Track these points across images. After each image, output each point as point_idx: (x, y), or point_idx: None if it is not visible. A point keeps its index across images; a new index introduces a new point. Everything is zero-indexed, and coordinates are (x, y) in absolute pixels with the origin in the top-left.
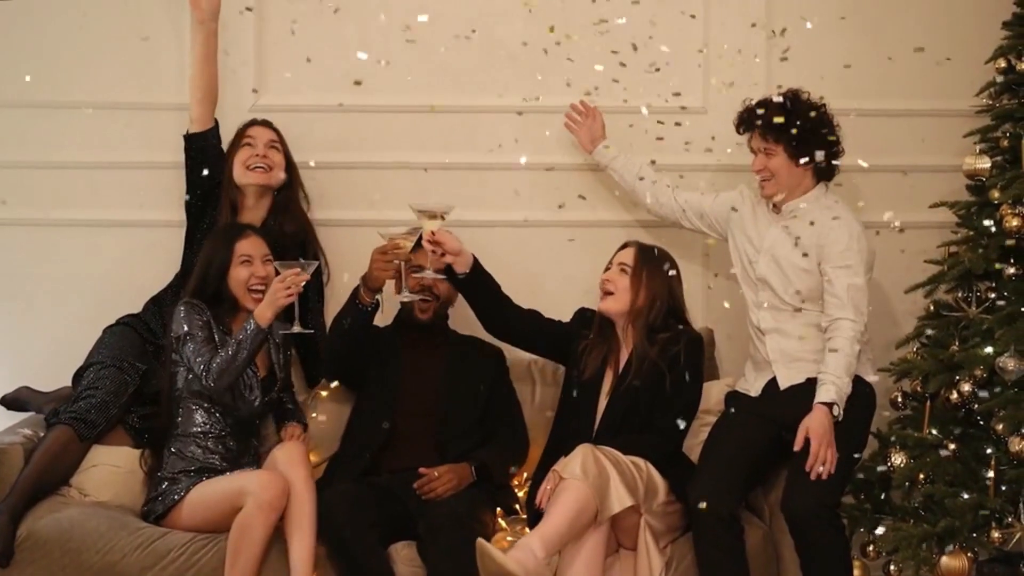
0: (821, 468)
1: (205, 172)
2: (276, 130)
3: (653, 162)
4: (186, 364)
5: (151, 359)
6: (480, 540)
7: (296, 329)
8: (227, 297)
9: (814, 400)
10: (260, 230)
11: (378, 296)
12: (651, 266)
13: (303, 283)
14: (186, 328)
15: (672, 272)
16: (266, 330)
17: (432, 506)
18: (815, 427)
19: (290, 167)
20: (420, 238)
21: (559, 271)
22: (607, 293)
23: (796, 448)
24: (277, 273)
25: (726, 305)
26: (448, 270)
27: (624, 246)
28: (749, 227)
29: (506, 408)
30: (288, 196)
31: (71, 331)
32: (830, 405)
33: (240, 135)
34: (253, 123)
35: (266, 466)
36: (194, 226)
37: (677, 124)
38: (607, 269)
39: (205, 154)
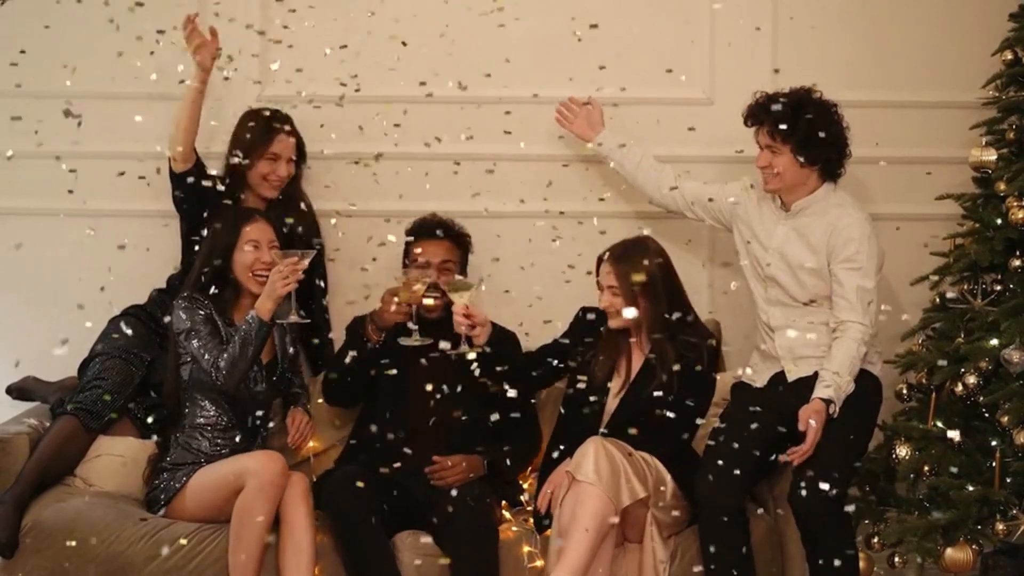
0: (797, 458)
1: (197, 206)
2: (295, 131)
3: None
4: (193, 360)
5: (157, 350)
6: None
7: (293, 319)
8: (230, 281)
9: (812, 395)
10: (267, 216)
11: (383, 335)
12: (633, 273)
13: (301, 272)
14: (188, 324)
15: (657, 260)
16: (268, 322)
17: (442, 495)
18: (816, 420)
19: (299, 158)
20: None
21: (560, 261)
22: (613, 312)
23: (801, 428)
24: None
25: (733, 286)
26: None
27: (599, 262)
28: (756, 224)
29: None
30: (293, 187)
31: (76, 320)
32: (827, 402)
33: (267, 141)
34: (281, 129)
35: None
36: (192, 228)
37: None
38: (599, 287)
39: (196, 189)
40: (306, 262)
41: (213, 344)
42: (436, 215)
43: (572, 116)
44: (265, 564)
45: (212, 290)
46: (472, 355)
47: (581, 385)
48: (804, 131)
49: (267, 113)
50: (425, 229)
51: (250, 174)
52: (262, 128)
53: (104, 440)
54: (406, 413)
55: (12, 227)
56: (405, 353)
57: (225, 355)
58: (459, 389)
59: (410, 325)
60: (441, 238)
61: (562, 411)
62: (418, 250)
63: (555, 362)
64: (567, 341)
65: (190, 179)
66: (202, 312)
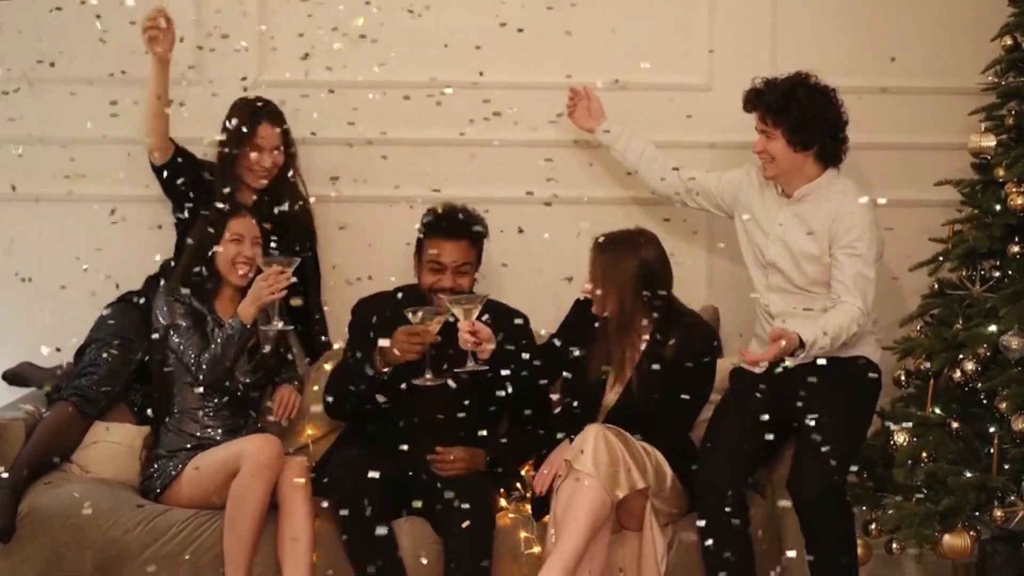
0: (749, 359)
1: (183, 182)
2: (282, 120)
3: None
4: (175, 354)
5: (152, 336)
6: None
7: (278, 326)
8: (213, 272)
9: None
10: (254, 211)
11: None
12: (609, 269)
13: (285, 282)
14: (168, 320)
15: (644, 258)
16: (250, 327)
17: (441, 481)
18: (786, 339)
19: (288, 149)
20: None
21: (554, 249)
22: (593, 297)
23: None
24: (260, 271)
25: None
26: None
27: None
28: (757, 210)
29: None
30: (283, 178)
31: (73, 306)
32: (803, 345)
33: (250, 131)
34: (263, 118)
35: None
36: (185, 216)
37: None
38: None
39: (179, 175)
40: (291, 271)
41: (194, 340)
42: (452, 207)
43: (572, 106)
44: (262, 550)
45: (196, 281)
46: (471, 366)
47: (571, 376)
48: (796, 115)
49: (252, 102)
50: (442, 228)
51: (237, 164)
52: (246, 117)
53: (100, 426)
54: (410, 405)
55: (10, 212)
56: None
57: (207, 354)
58: (465, 385)
59: (422, 381)
60: (458, 239)
61: (561, 399)
62: (433, 251)
63: (567, 352)
64: (568, 331)
65: (166, 173)
66: (183, 306)
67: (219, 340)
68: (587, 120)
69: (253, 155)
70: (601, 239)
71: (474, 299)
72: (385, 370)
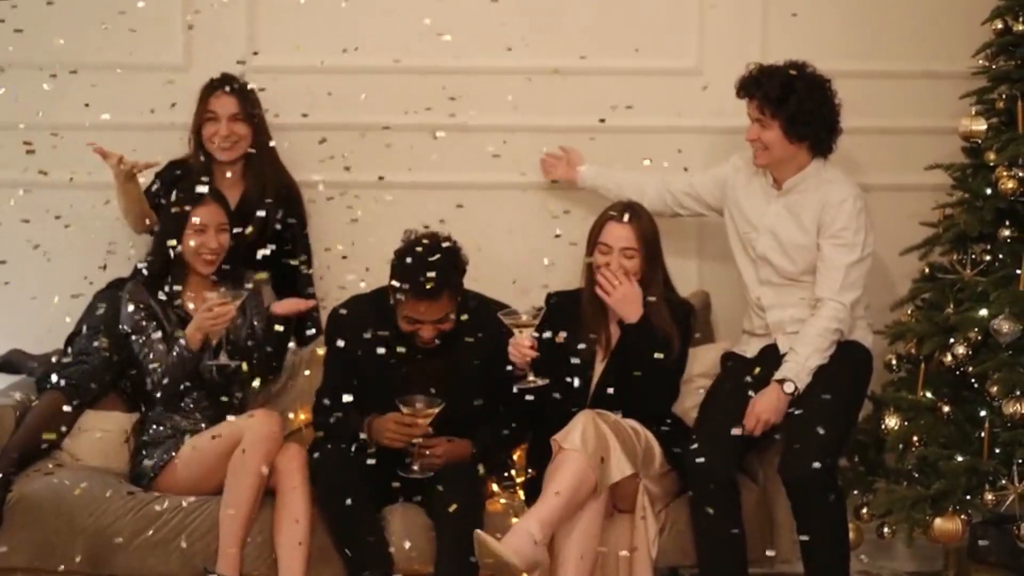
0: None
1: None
2: (241, 94)
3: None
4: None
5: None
6: (477, 532)
7: (223, 361)
8: (179, 261)
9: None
10: (222, 198)
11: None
12: (649, 237)
13: (229, 315)
14: (131, 325)
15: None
16: (197, 352)
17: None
18: (760, 408)
19: (260, 130)
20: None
21: (530, 235)
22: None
23: (743, 421)
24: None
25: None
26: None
27: (606, 220)
28: (745, 204)
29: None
30: (260, 161)
31: (63, 294)
32: (783, 382)
33: (204, 103)
34: (216, 89)
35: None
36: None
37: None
38: (599, 249)
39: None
40: (234, 305)
41: (154, 348)
42: (422, 259)
43: (553, 166)
44: (257, 540)
45: (164, 272)
46: (532, 379)
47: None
48: (794, 108)
49: (209, 81)
50: (415, 289)
51: (203, 139)
52: (203, 89)
53: (91, 415)
54: (401, 391)
55: None
56: (402, 355)
57: (162, 368)
58: (451, 384)
59: (409, 472)
60: (434, 298)
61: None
62: (408, 309)
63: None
64: (549, 334)
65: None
66: (144, 310)
67: (170, 359)
68: (569, 173)
69: (212, 126)
70: (628, 209)
71: (536, 315)
72: (371, 451)
